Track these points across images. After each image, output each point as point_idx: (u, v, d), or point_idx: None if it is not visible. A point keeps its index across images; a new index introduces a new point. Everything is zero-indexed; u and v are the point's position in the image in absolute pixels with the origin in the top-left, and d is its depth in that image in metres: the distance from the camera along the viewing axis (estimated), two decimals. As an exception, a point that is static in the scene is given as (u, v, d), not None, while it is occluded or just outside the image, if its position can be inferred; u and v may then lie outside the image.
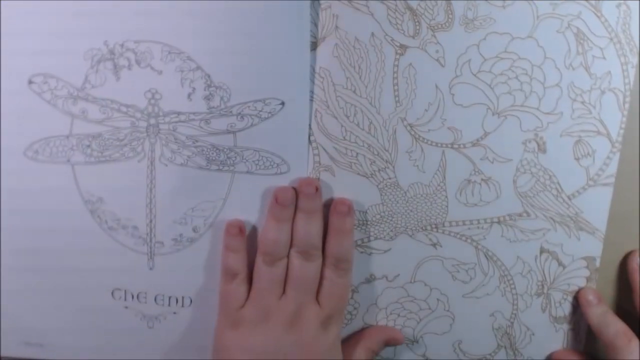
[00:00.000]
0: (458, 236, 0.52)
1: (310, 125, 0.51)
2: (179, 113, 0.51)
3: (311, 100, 0.51)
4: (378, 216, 0.52)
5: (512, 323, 0.54)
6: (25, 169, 0.52)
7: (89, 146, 0.52)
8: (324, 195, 0.52)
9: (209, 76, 0.50)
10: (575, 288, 0.54)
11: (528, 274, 0.53)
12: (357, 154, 0.51)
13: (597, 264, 0.53)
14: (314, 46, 0.50)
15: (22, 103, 0.51)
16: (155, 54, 0.50)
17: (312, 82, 0.51)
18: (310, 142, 0.52)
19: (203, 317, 0.54)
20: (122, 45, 0.50)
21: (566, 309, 0.54)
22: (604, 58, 0.50)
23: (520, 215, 0.52)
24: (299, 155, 0.52)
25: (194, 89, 0.50)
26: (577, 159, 0.51)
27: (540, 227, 0.52)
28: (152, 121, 0.51)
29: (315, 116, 0.51)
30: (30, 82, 0.51)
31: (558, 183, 0.52)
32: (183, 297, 0.54)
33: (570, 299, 0.54)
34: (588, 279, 0.53)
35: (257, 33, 0.50)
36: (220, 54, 0.50)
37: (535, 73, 0.50)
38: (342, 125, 0.51)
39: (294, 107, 0.51)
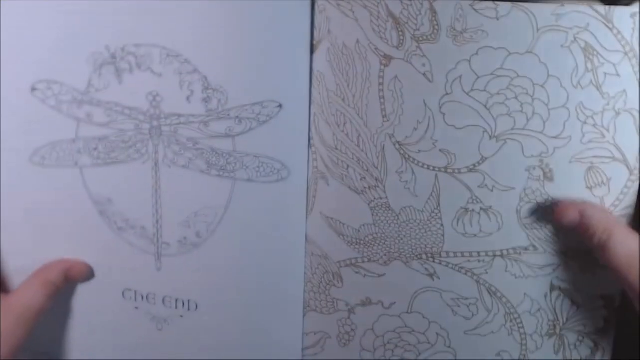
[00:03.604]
0: (457, 268, 0.57)
1: (310, 128, 0.58)
2: (179, 115, 0.59)
3: (310, 103, 0.57)
4: (371, 237, 0.58)
5: (522, 364, 0.59)
6: (32, 176, 0.62)
7: (95, 149, 0.61)
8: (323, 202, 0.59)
9: (206, 78, 0.58)
10: (592, 329, 0.56)
11: (537, 313, 0.57)
12: (348, 166, 0.57)
13: (617, 302, 0.56)
14: (313, 49, 0.56)
15: (26, 110, 0.61)
16: (154, 57, 0.58)
17: (311, 85, 0.57)
18: (310, 145, 0.58)
19: (209, 323, 0.64)
20: (122, 49, 0.58)
21: (583, 352, 0.57)
22: (618, 75, 0.51)
23: (526, 249, 0.56)
24: (299, 159, 0.59)
25: (192, 91, 0.58)
26: (590, 188, 0.53)
27: (550, 262, 0.56)
28: (155, 123, 0.60)
29: (314, 120, 0.58)
30: (33, 88, 0.60)
31: (569, 215, 0.54)
32: (189, 301, 0.64)
33: (587, 340, 0.57)
34: (606, 320, 0.56)
35: (254, 34, 0.56)
36: (217, 56, 0.57)
37: (538, 93, 0.52)
38: (334, 134, 0.57)
39: (293, 110, 0.57)
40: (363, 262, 0.59)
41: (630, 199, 0.53)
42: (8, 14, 0.59)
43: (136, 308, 0.65)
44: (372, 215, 0.58)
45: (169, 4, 0.56)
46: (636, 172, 0.52)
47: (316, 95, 0.57)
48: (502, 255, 0.56)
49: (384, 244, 0.58)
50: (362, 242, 0.59)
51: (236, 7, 0.55)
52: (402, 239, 0.58)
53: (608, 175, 0.53)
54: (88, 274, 0.65)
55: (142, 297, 0.65)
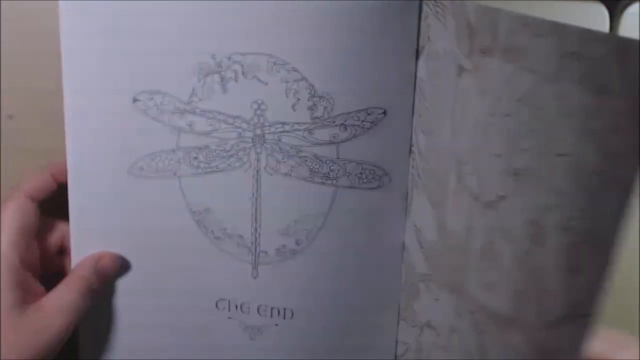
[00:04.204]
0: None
1: (411, 134, 0.59)
2: (283, 123, 0.60)
3: (413, 110, 0.58)
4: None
5: None
6: (130, 187, 0.63)
7: (196, 158, 0.62)
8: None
9: (312, 86, 0.59)
10: None
11: None
12: None
13: None
14: (417, 55, 0.57)
15: (126, 122, 0.61)
16: (261, 65, 0.59)
17: (415, 91, 0.58)
18: (411, 151, 0.59)
19: (304, 330, 0.65)
20: (229, 58, 0.59)
21: None
22: None
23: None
24: (400, 166, 0.60)
25: (298, 99, 0.59)
26: None
27: None
28: (258, 131, 0.61)
29: (415, 127, 0.58)
30: (134, 100, 0.61)
31: None
32: (285, 309, 0.65)
33: None
34: None
35: (362, 40, 0.57)
36: (324, 63, 0.58)
37: None
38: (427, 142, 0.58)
39: (396, 116, 0.59)
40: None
41: None
42: (112, 28, 0.60)
43: (229, 318, 0.66)
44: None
45: (275, 12, 0.57)
46: None
47: (417, 102, 0.58)
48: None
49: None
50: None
51: (344, 14, 0.56)
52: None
53: None
54: (119, 263, 0.65)
55: (236, 307, 0.65)
